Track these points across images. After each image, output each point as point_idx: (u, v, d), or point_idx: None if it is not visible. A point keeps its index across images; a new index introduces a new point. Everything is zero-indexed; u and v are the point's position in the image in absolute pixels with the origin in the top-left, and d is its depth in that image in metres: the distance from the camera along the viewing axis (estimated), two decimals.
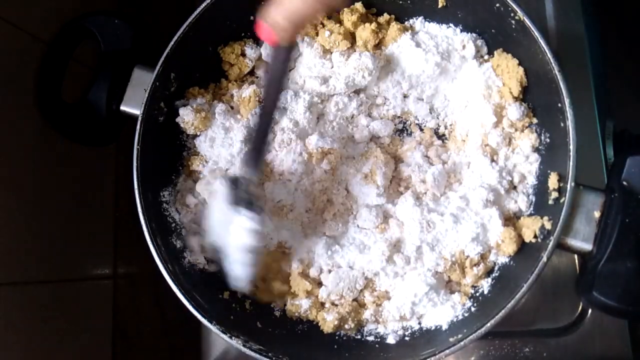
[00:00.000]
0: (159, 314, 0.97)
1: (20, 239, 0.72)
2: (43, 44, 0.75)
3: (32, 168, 0.75)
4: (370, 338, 0.68)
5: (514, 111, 0.67)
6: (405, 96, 0.74)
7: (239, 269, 0.64)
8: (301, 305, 0.68)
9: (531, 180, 0.67)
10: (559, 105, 0.61)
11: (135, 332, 0.94)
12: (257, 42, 0.77)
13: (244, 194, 0.62)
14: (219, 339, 0.78)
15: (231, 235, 0.63)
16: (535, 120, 0.68)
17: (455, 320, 0.65)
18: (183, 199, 0.72)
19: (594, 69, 0.80)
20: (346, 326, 0.66)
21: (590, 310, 0.73)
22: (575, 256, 0.76)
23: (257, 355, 0.62)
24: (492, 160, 0.68)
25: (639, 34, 1.01)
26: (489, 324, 0.59)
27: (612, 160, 0.76)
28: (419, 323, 0.67)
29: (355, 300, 0.68)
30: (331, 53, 0.75)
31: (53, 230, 0.79)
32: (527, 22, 0.63)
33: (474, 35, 0.71)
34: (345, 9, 0.74)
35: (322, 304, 0.68)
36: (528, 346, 0.74)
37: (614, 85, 0.89)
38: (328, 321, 0.66)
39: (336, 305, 0.67)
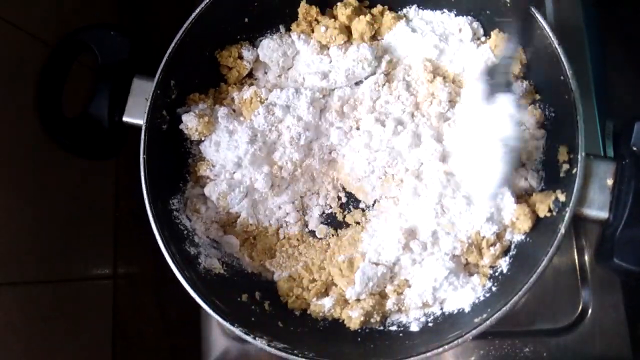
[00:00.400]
0: (159, 314, 0.96)
1: (20, 239, 0.72)
2: (43, 44, 0.75)
3: (32, 168, 0.75)
4: (393, 328, 0.67)
5: (516, 89, 0.67)
6: None
7: (495, 170, 0.60)
8: (324, 304, 0.67)
9: (539, 156, 0.68)
10: (562, 78, 0.62)
11: (136, 332, 0.93)
12: (253, 43, 0.77)
13: (502, 77, 0.58)
14: (219, 338, 0.78)
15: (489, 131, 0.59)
16: (538, 97, 0.68)
17: (477, 301, 0.65)
18: (193, 205, 0.72)
19: (594, 69, 0.81)
20: (372, 320, 0.66)
21: (590, 310, 0.74)
22: (576, 256, 0.77)
23: (283, 354, 0.61)
24: None
25: (639, 34, 1.02)
26: (512, 300, 0.58)
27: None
28: (441, 308, 0.67)
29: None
30: (328, 48, 0.75)
31: (53, 230, 0.78)
32: None
33: (469, 18, 0.72)
34: (339, 3, 0.74)
35: (346, 301, 0.68)
36: (528, 346, 0.74)
37: (614, 85, 0.90)
38: (354, 318, 0.65)
39: (359, 301, 0.67)
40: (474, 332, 0.59)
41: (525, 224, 0.64)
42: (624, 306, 0.74)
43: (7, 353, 0.68)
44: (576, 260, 0.76)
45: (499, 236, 0.66)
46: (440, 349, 0.59)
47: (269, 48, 0.75)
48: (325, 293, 0.69)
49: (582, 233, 0.77)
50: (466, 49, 0.71)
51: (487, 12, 0.70)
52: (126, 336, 0.91)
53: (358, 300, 0.67)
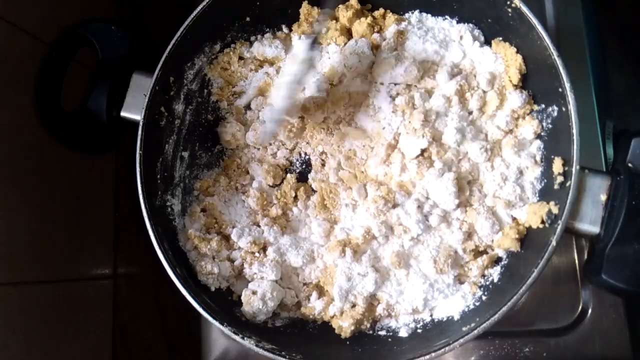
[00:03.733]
0: (159, 314, 0.96)
1: (20, 239, 0.72)
2: (43, 45, 0.75)
3: (32, 167, 0.75)
4: (383, 332, 0.67)
5: (515, 99, 0.67)
6: None
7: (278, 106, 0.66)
8: (315, 307, 0.68)
9: (534, 167, 0.67)
10: (560, 90, 0.62)
11: (135, 332, 0.93)
12: (252, 43, 0.77)
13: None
14: (219, 338, 0.79)
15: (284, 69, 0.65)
16: (536, 107, 0.68)
17: (466, 310, 0.65)
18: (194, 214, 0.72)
19: (594, 68, 0.80)
20: (362, 327, 0.66)
21: (590, 310, 0.74)
22: (576, 256, 0.76)
23: (271, 355, 0.61)
24: None
25: (639, 34, 1.01)
26: (501, 311, 0.59)
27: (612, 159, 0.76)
28: (431, 315, 0.67)
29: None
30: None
31: (53, 230, 0.78)
32: (524, 9, 0.64)
33: (470, 25, 0.72)
34: (341, 6, 0.74)
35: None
36: (528, 346, 0.74)
37: (614, 85, 0.90)
38: (345, 328, 0.65)
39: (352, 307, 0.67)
40: (461, 340, 0.59)
41: (511, 244, 0.64)
42: (624, 306, 0.74)
43: (7, 353, 0.68)
44: (576, 260, 0.76)
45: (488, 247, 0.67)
46: (427, 356, 0.60)
47: (268, 47, 0.75)
48: (317, 295, 0.69)
49: None
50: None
51: (489, 20, 0.70)
52: (126, 336, 0.92)
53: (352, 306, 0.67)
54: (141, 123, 0.68)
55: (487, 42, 0.71)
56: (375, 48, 0.72)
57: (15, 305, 0.70)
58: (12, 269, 0.70)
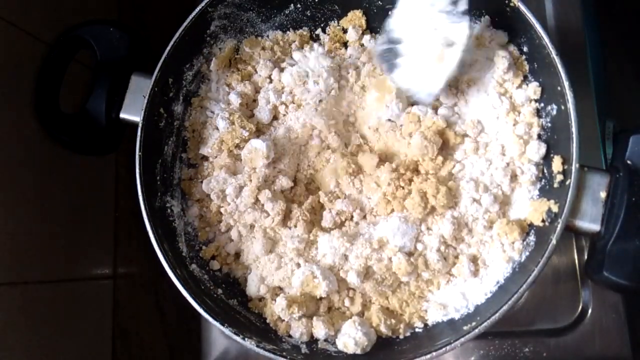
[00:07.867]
0: (159, 314, 0.97)
1: (20, 239, 0.72)
2: (44, 45, 0.75)
3: (32, 168, 0.75)
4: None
5: (520, 95, 0.67)
6: None
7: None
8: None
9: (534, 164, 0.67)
10: (558, 88, 0.62)
11: (135, 332, 0.94)
12: None
13: None
14: (219, 338, 0.79)
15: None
16: (536, 105, 0.68)
17: (467, 309, 0.65)
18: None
19: (594, 69, 0.80)
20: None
21: (590, 310, 0.74)
22: (576, 256, 0.76)
23: (272, 355, 0.61)
24: None
25: (639, 34, 1.02)
26: (502, 310, 0.58)
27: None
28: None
29: None
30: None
31: (53, 230, 0.78)
32: (522, 7, 0.64)
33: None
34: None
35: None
36: (528, 346, 0.74)
37: (614, 85, 0.90)
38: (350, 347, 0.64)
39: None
40: (462, 340, 0.59)
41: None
42: (624, 306, 0.74)
43: (7, 353, 0.68)
44: (576, 260, 0.76)
45: None
46: (429, 356, 0.60)
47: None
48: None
49: None
50: None
51: (487, 16, 0.70)
52: (126, 336, 0.92)
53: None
54: (140, 124, 0.69)
55: None
56: None
57: (15, 305, 0.70)
58: (12, 269, 0.70)
